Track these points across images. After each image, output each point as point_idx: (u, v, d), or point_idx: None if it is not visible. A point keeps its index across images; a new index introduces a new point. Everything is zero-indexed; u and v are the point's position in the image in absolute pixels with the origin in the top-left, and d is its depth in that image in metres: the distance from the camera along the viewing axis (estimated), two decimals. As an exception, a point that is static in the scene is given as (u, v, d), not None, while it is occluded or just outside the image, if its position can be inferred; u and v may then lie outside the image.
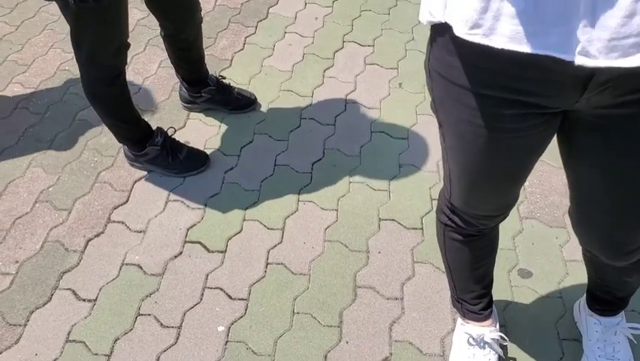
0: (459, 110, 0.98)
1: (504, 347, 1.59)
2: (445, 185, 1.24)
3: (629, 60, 0.76)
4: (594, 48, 0.77)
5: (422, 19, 0.95)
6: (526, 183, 2.07)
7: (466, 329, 1.55)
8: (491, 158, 1.04)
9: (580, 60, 0.78)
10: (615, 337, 1.53)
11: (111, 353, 1.63)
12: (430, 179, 2.10)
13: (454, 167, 1.13)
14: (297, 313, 1.72)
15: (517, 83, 0.89)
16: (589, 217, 1.15)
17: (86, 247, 1.90)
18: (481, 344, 1.52)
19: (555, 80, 0.87)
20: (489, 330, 1.53)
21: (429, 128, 2.28)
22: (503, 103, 0.93)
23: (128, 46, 1.81)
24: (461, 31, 0.84)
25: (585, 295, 1.58)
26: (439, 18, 0.89)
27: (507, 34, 0.81)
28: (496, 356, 1.54)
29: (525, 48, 0.80)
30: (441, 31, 0.92)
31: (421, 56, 2.62)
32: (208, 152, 2.19)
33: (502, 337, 1.54)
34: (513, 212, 1.97)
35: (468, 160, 1.07)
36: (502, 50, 0.82)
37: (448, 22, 0.87)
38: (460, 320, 1.60)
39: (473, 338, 1.53)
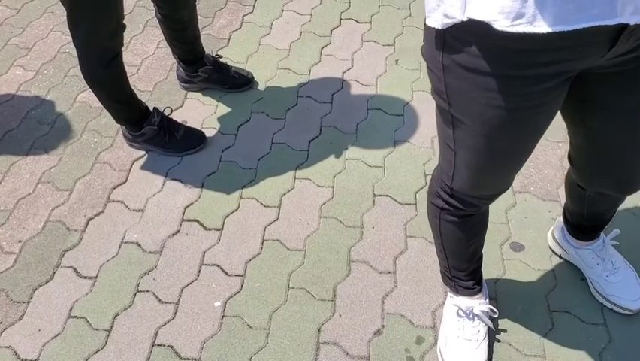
0: (485, 97, 0.98)
1: (493, 320, 1.62)
2: (445, 171, 1.24)
3: None
4: (634, 4, 0.80)
5: (434, 24, 0.94)
6: (521, 158, 2.08)
7: (455, 301, 1.58)
8: (516, 137, 1.06)
9: (625, 19, 0.82)
10: (607, 252, 1.66)
11: (111, 328, 1.68)
12: (424, 155, 2.11)
13: (464, 153, 1.13)
14: (292, 288, 1.76)
15: (550, 56, 0.91)
16: (609, 164, 1.20)
17: (86, 226, 1.94)
18: (471, 316, 1.56)
19: (590, 42, 0.88)
20: (478, 302, 1.56)
21: (424, 105, 2.29)
22: (532, 81, 0.94)
23: (123, 27, 1.83)
24: (503, 24, 0.84)
25: (565, 232, 1.70)
26: (459, 18, 0.88)
27: (551, 17, 0.81)
28: (485, 327, 1.57)
29: (571, 26, 0.81)
30: (459, 28, 0.92)
31: (418, 32, 2.62)
32: (206, 131, 2.22)
33: (491, 309, 1.57)
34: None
35: (490, 145, 1.07)
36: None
37: (475, 18, 0.86)
38: (449, 294, 1.63)
39: (463, 311, 1.56)
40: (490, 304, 1.59)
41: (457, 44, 0.94)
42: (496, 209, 1.92)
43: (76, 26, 1.76)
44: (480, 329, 1.56)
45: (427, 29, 1.01)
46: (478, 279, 1.55)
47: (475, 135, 1.07)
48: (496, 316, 1.60)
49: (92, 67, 1.88)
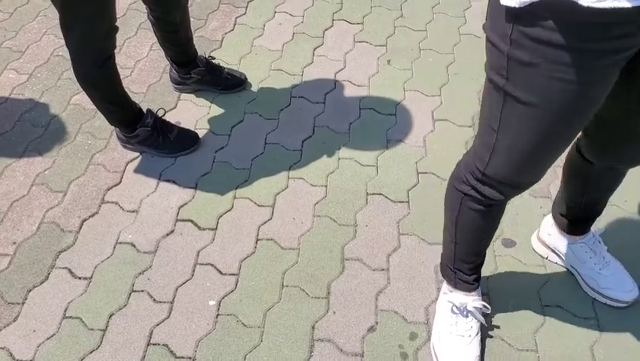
0: (552, 70, 0.99)
1: (486, 315, 1.63)
2: (480, 156, 1.24)
3: None
4: None
5: (511, 2, 0.95)
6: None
7: (449, 297, 1.60)
8: (570, 116, 1.07)
9: None
10: (598, 246, 1.69)
11: (106, 327, 1.69)
12: (416, 153, 2.13)
13: (509, 135, 1.13)
14: (287, 286, 1.77)
15: (624, 30, 0.93)
16: (632, 133, 1.25)
17: (81, 227, 1.95)
18: (464, 312, 1.57)
19: None
20: (472, 299, 1.57)
21: (416, 105, 2.31)
22: (601, 54, 0.96)
23: (116, 29, 1.84)
24: (590, 0, 0.87)
25: (556, 228, 1.72)
26: None
27: None
28: (478, 323, 1.59)
29: None
30: (538, 5, 0.93)
31: (410, 33, 2.64)
32: (199, 132, 2.23)
33: (484, 305, 1.58)
34: (498, 184, 2.01)
35: (541, 125, 1.08)
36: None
37: None
38: (444, 289, 1.64)
39: (456, 307, 1.57)
40: (482, 300, 1.61)
41: (532, 19, 0.96)
42: (488, 206, 1.94)
43: (69, 29, 1.77)
44: (473, 325, 1.58)
45: (495, 5, 1.02)
46: (478, 276, 1.57)
47: (527, 114, 1.07)
48: (489, 312, 1.61)
49: (85, 69, 1.89)
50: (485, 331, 1.63)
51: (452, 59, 2.50)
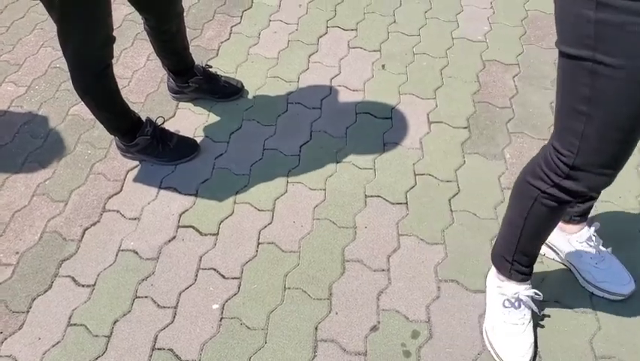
0: None
1: (538, 304, 1.63)
2: (567, 148, 1.20)
3: None
4: None
5: None
6: (507, 155, 2.13)
7: (502, 289, 1.60)
8: None
9: None
10: (594, 241, 1.71)
11: (111, 334, 1.70)
12: (413, 155, 2.16)
13: (602, 111, 1.10)
14: (289, 288, 1.79)
15: None
16: None
17: (83, 235, 1.97)
18: (517, 303, 1.59)
19: None
20: (524, 288, 1.58)
21: (412, 108, 2.34)
22: None
23: (113, 39, 1.86)
24: None
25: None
26: None
27: None
28: (530, 312, 1.61)
29: None
30: None
31: (404, 38, 2.68)
32: (198, 139, 2.25)
33: (536, 293, 1.59)
34: (494, 184, 2.04)
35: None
36: None
37: None
38: (494, 278, 1.64)
39: (508, 297, 1.59)
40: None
41: None
42: (486, 205, 1.97)
43: (66, 40, 1.80)
44: (525, 313, 1.60)
45: None
46: (532, 267, 1.57)
47: (623, 80, 1.04)
48: (541, 299, 1.61)
49: (83, 79, 1.91)
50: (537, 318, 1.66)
51: (446, 63, 2.54)
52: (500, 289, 1.61)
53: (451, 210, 1.97)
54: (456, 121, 2.28)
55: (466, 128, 2.25)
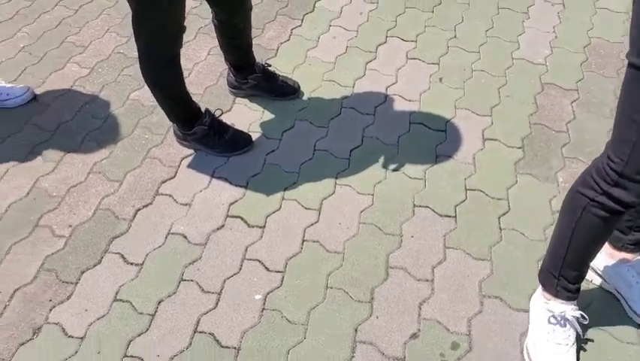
0: None
1: (583, 326, 1.62)
2: (618, 155, 1.22)
3: None
4: None
5: None
6: (560, 179, 2.11)
7: (549, 306, 1.59)
8: None
9: None
10: None
11: (155, 313, 1.74)
12: (465, 170, 2.15)
13: None
14: (331, 287, 1.80)
15: None
16: None
17: (135, 215, 2.02)
18: (562, 322, 1.56)
19: None
20: (571, 308, 1.56)
21: (467, 123, 2.34)
22: None
23: (184, 29, 1.92)
24: None
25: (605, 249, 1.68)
26: None
27: None
28: (575, 334, 1.59)
29: None
30: None
31: (463, 53, 2.68)
32: (251, 135, 2.29)
33: (582, 315, 1.57)
34: (545, 206, 2.02)
35: None
36: None
37: None
38: (540, 296, 1.63)
39: (555, 315, 1.57)
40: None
41: None
42: (535, 226, 1.95)
43: (140, 25, 1.85)
44: (570, 334, 1.57)
45: None
46: (579, 286, 1.56)
47: None
48: (586, 323, 1.59)
49: (152, 65, 1.97)
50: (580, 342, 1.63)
51: (504, 82, 2.53)
52: (547, 305, 1.60)
53: (500, 227, 1.96)
54: (511, 140, 2.27)
55: (520, 148, 2.24)
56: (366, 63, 2.65)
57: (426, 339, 1.67)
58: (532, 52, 2.69)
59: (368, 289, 1.79)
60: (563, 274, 1.52)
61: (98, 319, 1.73)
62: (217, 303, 1.76)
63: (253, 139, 2.28)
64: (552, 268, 1.54)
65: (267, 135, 2.32)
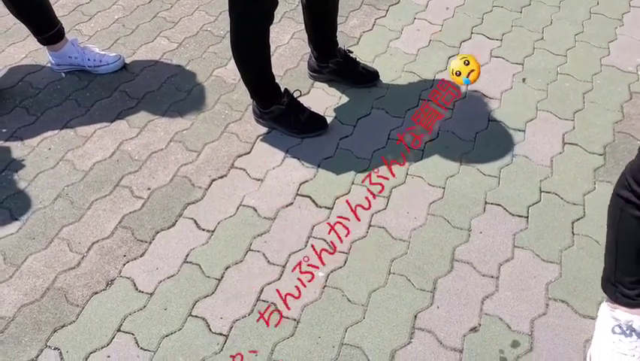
0: None
1: None
2: None
3: None
4: None
5: None
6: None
7: (614, 314, 1.54)
8: None
9: None
10: None
11: (222, 277, 1.80)
12: (541, 172, 2.10)
13: None
14: (393, 273, 1.81)
15: None
16: None
17: (210, 185, 2.09)
18: (628, 331, 1.51)
19: None
20: (638, 318, 1.51)
21: (548, 125, 2.28)
22: None
23: (276, 4, 1.95)
24: None
25: None
26: None
27: None
28: None
29: None
30: None
31: (549, 56, 2.61)
32: (327, 119, 2.32)
33: None
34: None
35: None
36: None
37: None
38: (606, 305, 1.58)
39: (620, 325, 1.52)
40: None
41: None
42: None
43: (236, 1, 1.91)
44: (637, 346, 1.51)
45: None
46: None
47: None
48: None
49: (242, 40, 2.02)
50: None
51: (590, 87, 2.45)
52: (612, 313, 1.55)
53: (572, 232, 1.91)
54: (592, 146, 2.19)
55: (601, 155, 2.16)
56: (449, 58, 2.63)
57: (486, 334, 1.65)
58: (622, 59, 2.59)
59: (431, 279, 1.79)
60: (618, 279, 1.48)
61: (168, 278, 1.81)
62: (281, 275, 1.80)
63: (328, 123, 2.30)
64: (609, 274, 1.51)
65: (342, 121, 2.35)
